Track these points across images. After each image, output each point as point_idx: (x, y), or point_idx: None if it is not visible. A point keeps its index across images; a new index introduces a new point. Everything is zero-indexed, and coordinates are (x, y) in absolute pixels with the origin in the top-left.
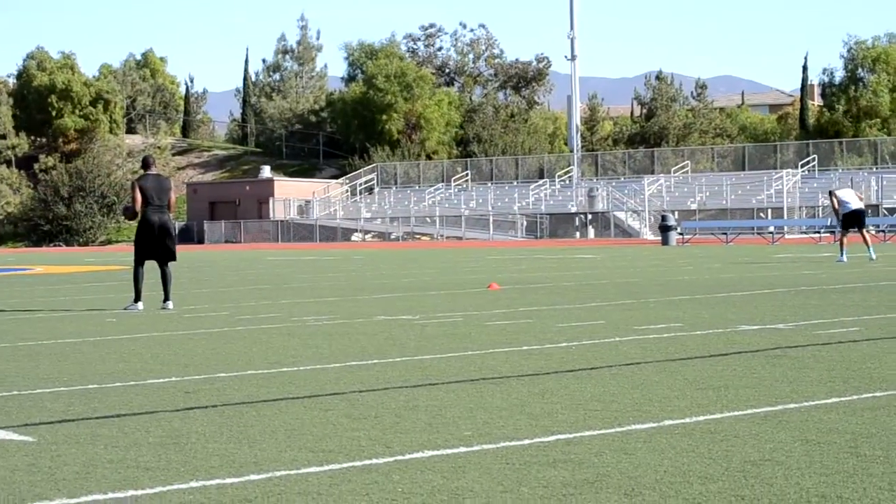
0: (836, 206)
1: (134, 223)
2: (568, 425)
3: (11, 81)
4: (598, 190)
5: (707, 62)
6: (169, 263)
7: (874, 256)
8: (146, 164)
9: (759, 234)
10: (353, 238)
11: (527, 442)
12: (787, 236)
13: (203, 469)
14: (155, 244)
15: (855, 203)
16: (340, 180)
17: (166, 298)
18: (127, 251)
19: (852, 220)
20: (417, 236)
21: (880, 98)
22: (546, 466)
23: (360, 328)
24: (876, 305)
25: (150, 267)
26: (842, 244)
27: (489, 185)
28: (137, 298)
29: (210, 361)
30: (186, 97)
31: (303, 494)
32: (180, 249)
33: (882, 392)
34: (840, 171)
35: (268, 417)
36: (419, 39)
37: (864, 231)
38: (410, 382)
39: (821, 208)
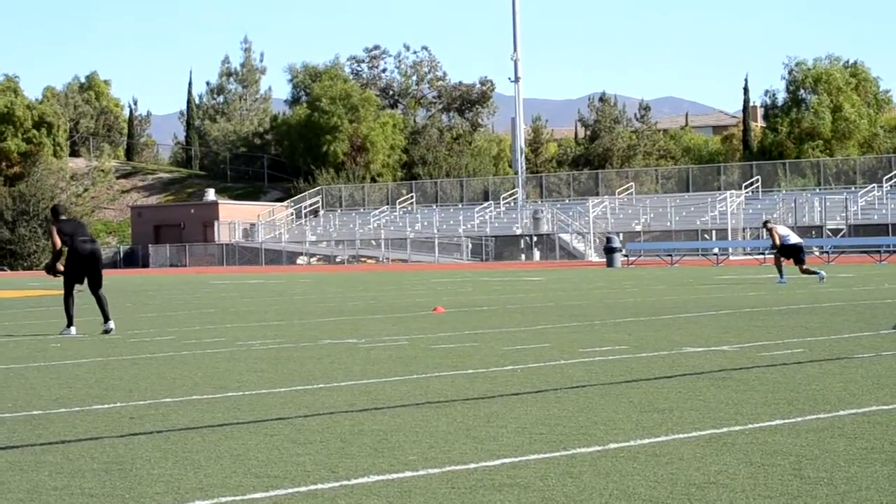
0: (777, 239)
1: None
2: (513, 449)
3: None
4: (542, 212)
5: (650, 83)
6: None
7: (824, 275)
8: (57, 212)
9: (703, 255)
10: (299, 261)
11: (472, 466)
12: (731, 258)
13: (148, 495)
14: (85, 272)
15: (794, 238)
16: (285, 203)
17: (106, 319)
18: None
19: (791, 252)
20: (363, 259)
21: (822, 119)
22: (492, 490)
23: (305, 352)
24: (820, 327)
25: (86, 296)
26: (779, 266)
27: (434, 207)
28: (70, 324)
29: (155, 386)
30: (130, 120)
31: None
32: (125, 273)
33: (826, 414)
34: (783, 192)
35: (213, 443)
36: (363, 61)
37: (801, 267)
38: (356, 407)
39: (765, 230)
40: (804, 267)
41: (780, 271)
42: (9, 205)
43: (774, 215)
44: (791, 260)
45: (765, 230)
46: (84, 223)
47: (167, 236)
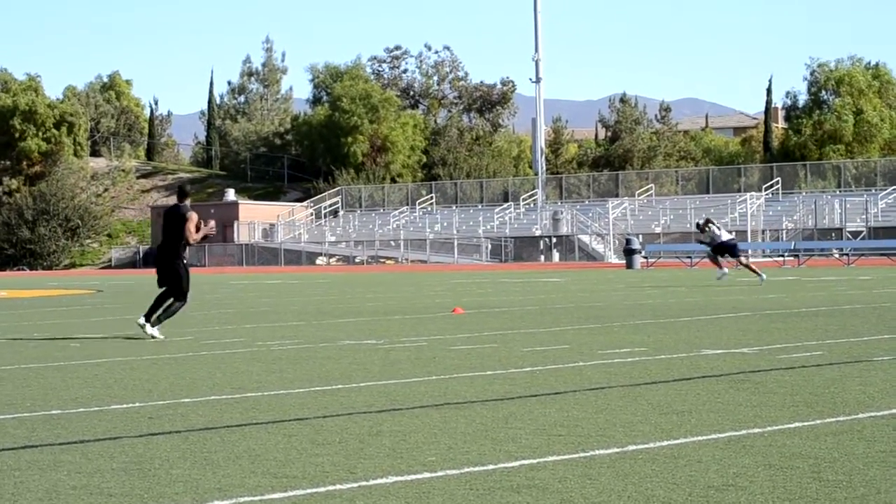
0: (713, 235)
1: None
2: (532, 451)
3: None
4: (562, 213)
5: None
6: (174, 295)
7: (764, 277)
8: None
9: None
10: (318, 262)
11: (491, 467)
12: (750, 259)
13: (167, 495)
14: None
15: (725, 235)
16: (305, 203)
17: (148, 317)
18: (90, 275)
19: (724, 250)
20: (382, 260)
21: (844, 122)
22: (510, 492)
23: (324, 353)
24: (838, 330)
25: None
26: (717, 262)
27: (454, 208)
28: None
29: (174, 387)
30: (151, 119)
31: None
32: (144, 274)
33: (845, 416)
34: (804, 194)
35: (231, 443)
36: (384, 61)
37: (740, 258)
38: (375, 408)
39: (785, 231)
40: (741, 260)
41: (719, 266)
42: (29, 204)
43: (795, 217)
44: (727, 256)
45: (702, 229)
46: (178, 215)
47: None
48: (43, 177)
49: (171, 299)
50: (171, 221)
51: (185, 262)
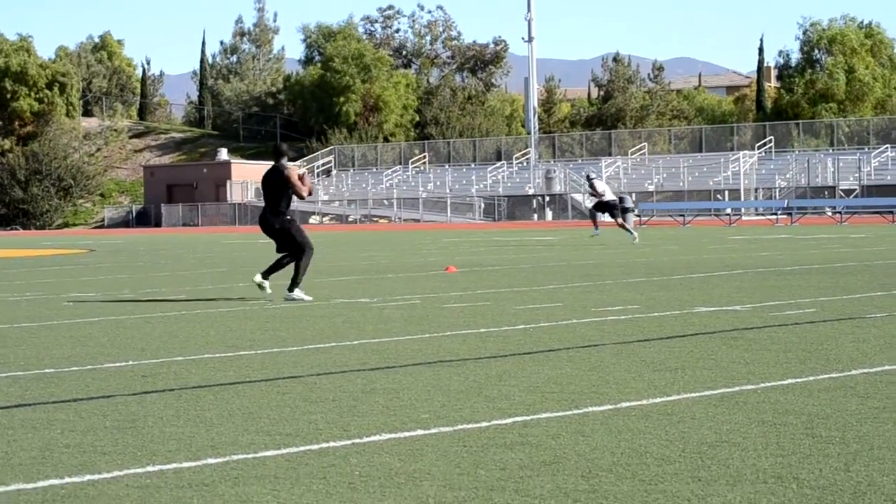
0: (595, 192)
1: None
2: (525, 408)
3: None
4: (555, 172)
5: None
6: (296, 255)
7: (636, 240)
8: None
9: (716, 215)
10: (311, 221)
11: (484, 424)
12: (743, 218)
13: (160, 453)
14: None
15: (609, 195)
16: (298, 163)
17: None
18: (83, 235)
19: (605, 207)
20: (375, 219)
21: (836, 81)
22: (503, 449)
23: (317, 311)
24: (832, 287)
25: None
26: (594, 220)
27: (447, 167)
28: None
29: (167, 345)
30: (143, 79)
31: (260, 478)
32: (137, 233)
33: (838, 373)
34: (796, 152)
35: (225, 401)
36: (377, 21)
37: (618, 220)
38: (368, 365)
39: (777, 190)
40: (618, 221)
41: (595, 225)
42: (22, 164)
43: (788, 175)
44: (608, 217)
45: (587, 183)
46: (276, 175)
47: (180, 196)
48: (35, 137)
49: (296, 259)
50: (270, 183)
51: (289, 217)
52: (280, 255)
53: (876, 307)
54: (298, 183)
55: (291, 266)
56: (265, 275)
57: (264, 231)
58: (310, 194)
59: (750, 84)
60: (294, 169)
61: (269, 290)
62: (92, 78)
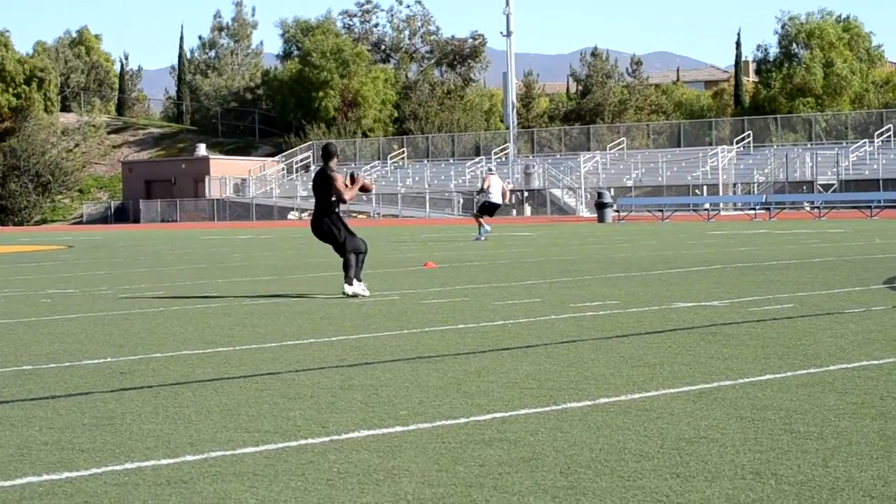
0: (485, 187)
1: None
2: (503, 404)
3: None
4: (534, 167)
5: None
6: (345, 252)
7: (482, 239)
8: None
9: (694, 210)
10: (290, 216)
11: (462, 421)
12: (722, 213)
13: (138, 450)
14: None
15: (497, 197)
16: (276, 158)
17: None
18: (61, 231)
19: (490, 210)
20: (354, 214)
21: (813, 75)
22: (482, 445)
23: (296, 307)
24: (810, 282)
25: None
26: (479, 223)
27: (425, 162)
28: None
29: (145, 342)
30: (121, 74)
31: (239, 475)
32: (116, 229)
33: (816, 369)
34: (775, 147)
35: (203, 398)
36: (355, 15)
37: (481, 216)
38: (347, 362)
39: (756, 184)
40: (482, 218)
41: (480, 229)
42: None
43: (766, 170)
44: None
45: (484, 177)
46: (323, 178)
47: (158, 192)
48: (13, 133)
49: (349, 256)
50: (317, 185)
51: (335, 216)
52: (343, 258)
53: (854, 302)
54: (342, 186)
55: (364, 258)
56: (349, 280)
57: (315, 234)
58: (367, 191)
59: (728, 78)
60: (339, 176)
61: (367, 293)
62: (70, 73)
